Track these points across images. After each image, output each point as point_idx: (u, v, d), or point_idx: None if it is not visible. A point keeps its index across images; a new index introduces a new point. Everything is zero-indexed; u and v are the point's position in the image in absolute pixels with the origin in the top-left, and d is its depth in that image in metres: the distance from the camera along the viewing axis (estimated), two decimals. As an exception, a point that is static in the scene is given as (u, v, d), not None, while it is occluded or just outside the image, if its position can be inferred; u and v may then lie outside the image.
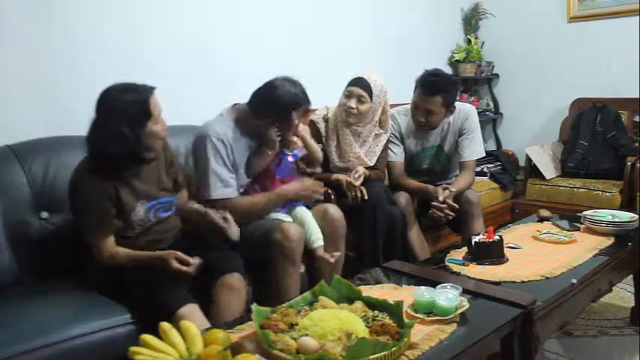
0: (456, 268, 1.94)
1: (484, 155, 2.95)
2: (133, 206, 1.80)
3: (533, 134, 4.18)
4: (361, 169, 2.50)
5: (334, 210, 2.27)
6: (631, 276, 2.31)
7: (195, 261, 1.72)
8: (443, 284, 1.59)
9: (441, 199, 2.52)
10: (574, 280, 1.78)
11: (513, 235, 2.28)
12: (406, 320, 1.40)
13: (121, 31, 2.47)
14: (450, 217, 2.55)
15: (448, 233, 2.95)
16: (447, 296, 1.50)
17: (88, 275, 1.84)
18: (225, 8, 2.86)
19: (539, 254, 2.04)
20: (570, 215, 2.51)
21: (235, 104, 2.24)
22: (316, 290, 1.59)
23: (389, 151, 2.72)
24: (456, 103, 2.67)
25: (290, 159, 2.31)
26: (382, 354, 1.23)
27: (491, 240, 1.98)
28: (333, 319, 1.35)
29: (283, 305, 1.52)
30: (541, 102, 4.15)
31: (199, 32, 2.76)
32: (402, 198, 2.58)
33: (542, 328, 1.60)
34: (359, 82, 2.47)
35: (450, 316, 1.46)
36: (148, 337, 1.28)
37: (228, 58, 2.87)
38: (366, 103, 2.47)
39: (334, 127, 2.58)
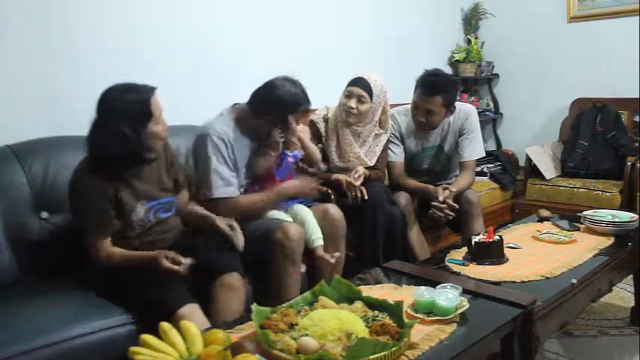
0: (456, 268, 1.94)
1: (484, 155, 2.96)
2: (133, 206, 1.80)
3: (533, 134, 4.18)
4: (361, 169, 2.50)
5: (334, 210, 2.27)
6: (631, 276, 2.31)
7: (186, 261, 1.71)
8: (443, 284, 1.59)
9: (441, 199, 2.52)
10: (574, 280, 1.78)
11: (513, 235, 2.28)
12: (406, 320, 1.40)
13: (121, 31, 2.47)
14: (450, 217, 2.55)
15: (448, 233, 2.95)
16: (447, 296, 1.50)
17: (86, 276, 1.84)
18: (225, 8, 2.86)
19: (539, 254, 2.04)
20: (570, 215, 2.51)
21: (235, 104, 2.25)
22: (316, 290, 1.59)
23: (389, 151, 2.72)
24: (456, 103, 2.67)
25: (290, 160, 2.31)
26: (382, 354, 1.23)
27: (491, 240, 1.98)
28: (333, 319, 1.35)
29: (283, 305, 1.52)
30: (541, 102, 4.15)
31: (199, 32, 2.76)
32: (402, 198, 2.58)
33: (542, 328, 1.60)
34: (359, 82, 2.47)
35: (450, 316, 1.46)
36: (148, 337, 1.28)
37: (228, 58, 2.87)
38: (366, 103, 2.47)
39: (334, 127, 2.58)
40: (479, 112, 3.35)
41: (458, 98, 2.76)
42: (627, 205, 3.19)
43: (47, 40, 2.27)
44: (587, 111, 3.67)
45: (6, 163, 1.98)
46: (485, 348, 1.48)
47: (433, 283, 1.61)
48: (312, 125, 2.59)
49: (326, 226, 2.23)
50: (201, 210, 2.04)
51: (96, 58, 2.39)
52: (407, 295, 1.60)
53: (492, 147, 4.34)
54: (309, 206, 2.31)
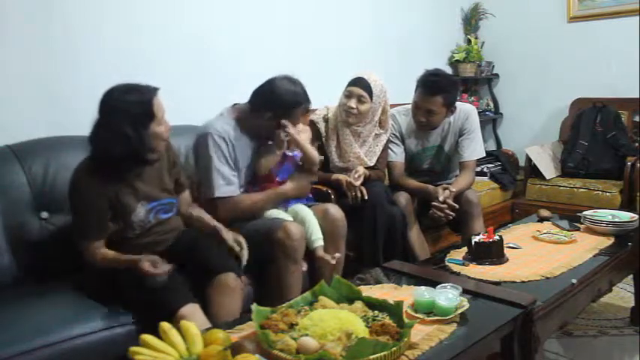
0: (456, 268, 1.94)
1: (484, 155, 2.96)
2: (134, 207, 1.80)
3: (533, 134, 4.18)
4: (361, 169, 2.50)
5: (335, 210, 2.27)
6: (631, 276, 2.31)
7: (165, 267, 1.67)
8: (443, 284, 1.59)
9: (441, 199, 2.52)
10: (574, 280, 1.78)
11: (513, 235, 2.28)
12: (406, 320, 1.40)
13: (121, 31, 2.47)
14: (450, 217, 2.55)
15: (448, 233, 2.95)
16: (447, 296, 1.50)
17: (83, 277, 1.83)
18: (225, 8, 2.86)
19: (539, 254, 2.04)
20: (570, 215, 2.51)
21: (235, 104, 2.25)
22: (316, 290, 1.59)
23: (389, 151, 2.72)
24: (457, 103, 2.67)
25: (291, 160, 2.31)
26: (382, 354, 1.23)
27: (491, 240, 1.98)
28: (333, 319, 1.35)
29: (283, 305, 1.52)
30: (541, 102, 4.15)
31: (199, 32, 2.76)
32: (402, 198, 2.58)
33: (542, 328, 1.60)
34: (359, 82, 2.47)
35: (450, 316, 1.46)
36: (148, 337, 1.28)
37: (228, 58, 2.87)
38: (366, 103, 2.47)
39: (334, 127, 2.58)
40: (479, 112, 3.35)
41: (458, 98, 2.76)
42: (627, 205, 3.19)
43: (47, 40, 2.27)
44: (587, 111, 3.67)
45: (6, 163, 1.98)
46: (485, 348, 1.48)
47: (433, 283, 1.61)
48: (312, 125, 2.59)
49: (326, 226, 2.23)
50: (208, 218, 2.02)
51: (96, 58, 2.39)
52: (407, 295, 1.60)
53: (492, 147, 4.34)
54: (309, 206, 2.31)
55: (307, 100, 2.18)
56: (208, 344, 1.27)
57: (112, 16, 2.44)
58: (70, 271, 1.88)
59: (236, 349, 1.25)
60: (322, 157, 2.47)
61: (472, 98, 4.32)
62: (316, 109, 2.63)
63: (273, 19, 3.08)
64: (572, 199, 3.43)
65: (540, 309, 1.60)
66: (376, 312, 1.47)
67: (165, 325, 1.31)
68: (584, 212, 2.35)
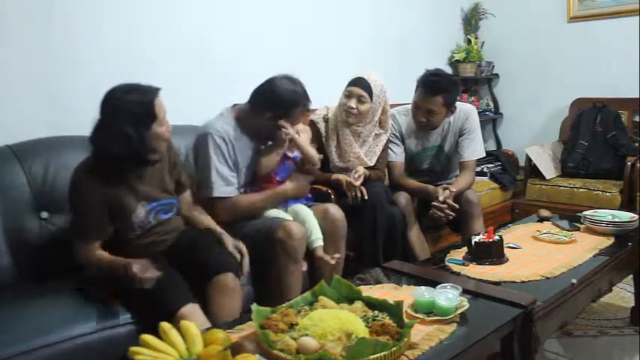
0: (456, 268, 1.94)
1: (484, 155, 2.96)
2: (134, 208, 1.79)
3: (533, 134, 4.18)
4: (361, 169, 2.50)
5: (335, 210, 2.27)
6: (631, 276, 2.31)
7: (154, 273, 1.65)
8: (443, 284, 1.59)
9: (441, 199, 2.52)
10: (574, 280, 1.78)
11: (513, 235, 2.28)
12: (406, 320, 1.40)
13: (121, 31, 2.47)
14: (450, 217, 2.55)
15: (448, 233, 2.95)
16: (447, 296, 1.50)
17: (82, 277, 1.82)
18: (225, 8, 2.86)
19: (539, 254, 2.04)
20: (570, 215, 2.51)
21: (235, 105, 2.25)
22: (316, 290, 1.59)
23: (389, 151, 2.72)
24: (457, 103, 2.67)
25: (290, 160, 2.31)
26: (382, 354, 1.23)
27: (491, 240, 1.98)
28: (333, 319, 1.35)
29: (283, 305, 1.52)
30: (541, 102, 4.15)
31: (199, 32, 2.76)
32: (402, 198, 2.58)
33: (542, 328, 1.60)
34: (359, 82, 2.47)
35: (450, 316, 1.46)
36: (148, 337, 1.28)
37: (228, 58, 2.87)
38: (366, 103, 2.47)
39: (334, 127, 2.58)
40: (479, 112, 3.36)
41: (458, 98, 2.76)
42: (627, 205, 3.19)
43: (47, 40, 2.27)
44: (587, 111, 3.67)
45: (6, 163, 1.98)
46: (485, 348, 1.48)
47: (433, 283, 1.61)
48: (312, 125, 2.59)
49: (326, 226, 2.23)
50: (212, 224, 2.02)
51: (96, 58, 2.39)
52: (407, 295, 1.60)
53: (492, 147, 4.34)
54: (309, 206, 2.31)
55: (307, 100, 2.18)
56: (208, 344, 1.27)
57: (112, 16, 2.45)
58: (70, 271, 1.88)
59: (236, 349, 1.25)
60: (321, 156, 2.46)
61: (472, 98, 4.32)
62: (316, 109, 2.63)
63: (273, 19, 3.08)
64: (572, 199, 3.43)
65: (540, 309, 1.60)
66: (376, 312, 1.47)
67: (165, 325, 1.31)
68: (584, 212, 2.35)
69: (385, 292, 1.69)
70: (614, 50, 3.74)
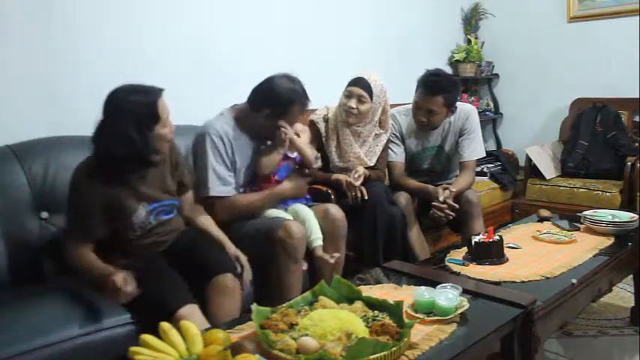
0: (456, 268, 1.94)
1: (484, 155, 2.96)
2: (135, 208, 1.79)
3: (533, 134, 4.19)
4: (361, 169, 2.50)
5: (335, 210, 2.27)
6: (631, 276, 2.31)
7: (130, 289, 1.61)
8: (443, 284, 1.59)
9: (441, 199, 2.52)
10: (574, 280, 1.78)
11: (513, 235, 2.28)
12: (406, 320, 1.40)
13: (121, 31, 2.47)
14: (450, 217, 2.55)
15: (448, 233, 2.95)
16: (447, 296, 1.50)
17: (82, 278, 1.81)
18: (225, 8, 2.86)
19: (539, 254, 2.04)
20: (570, 215, 2.51)
21: (234, 105, 2.25)
22: (316, 290, 1.59)
23: (389, 151, 2.72)
24: (457, 103, 2.67)
25: (291, 160, 2.31)
26: (382, 354, 1.23)
27: (491, 240, 1.98)
28: (333, 319, 1.35)
29: (283, 305, 1.52)
30: (541, 102, 4.15)
31: (199, 32, 2.76)
32: (402, 198, 2.58)
33: (542, 328, 1.60)
34: (359, 82, 2.47)
35: (450, 316, 1.46)
36: (148, 337, 1.28)
37: (228, 58, 2.87)
38: (366, 103, 2.47)
39: (334, 127, 2.58)
40: (479, 112, 3.35)
41: (458, 98, 2.76)
42: (627, 205, 3.19)
43: (47, 40, 2.27)
44: (587, 111, 3.67)
45: (6, 163, 1.98)
46: (485, 348, 1.48)
47: (433, 283, 1.61)
48: (312, 125, 2.59)
49: (326, 226, 2.23)
50: (214, 230, 2.02)
51: (96, 58, 2.39)
52: (407, 295, 1.60)
53: (492, 147, 4.34)
54: (309, 206, 2.31)
55: (306, 98, 2.18)
56: (208, 344, 1.27)
57: (112, 16, 2.44)
58: (70, 271, 1.88)
59: (236, 349, 1.25)
60: (319, 154, 2.46)
61: (472, 98, 4.32)
62: (316, 109, 2.63)
63: (273, 19, 3.08)
64: (572, 199, 3.43)
65: (540, 309, 1.60)
66: (376, 312, 1.47)
67: (165, 325, 1.31)
68: (584, 212, 2.35)
69: (385, 292, 1.69)
70: (614, 50, 3.74)
